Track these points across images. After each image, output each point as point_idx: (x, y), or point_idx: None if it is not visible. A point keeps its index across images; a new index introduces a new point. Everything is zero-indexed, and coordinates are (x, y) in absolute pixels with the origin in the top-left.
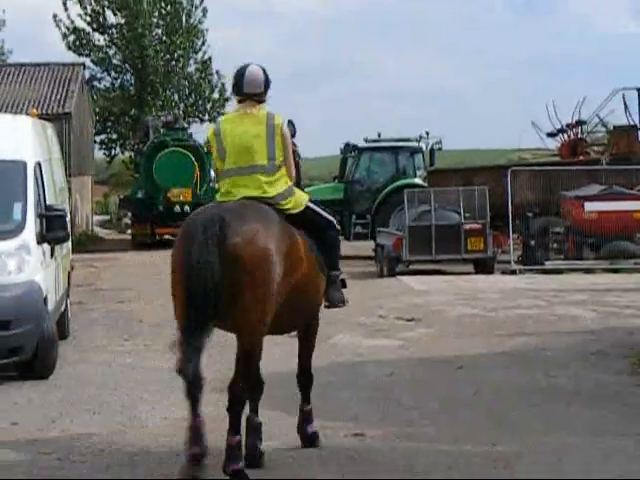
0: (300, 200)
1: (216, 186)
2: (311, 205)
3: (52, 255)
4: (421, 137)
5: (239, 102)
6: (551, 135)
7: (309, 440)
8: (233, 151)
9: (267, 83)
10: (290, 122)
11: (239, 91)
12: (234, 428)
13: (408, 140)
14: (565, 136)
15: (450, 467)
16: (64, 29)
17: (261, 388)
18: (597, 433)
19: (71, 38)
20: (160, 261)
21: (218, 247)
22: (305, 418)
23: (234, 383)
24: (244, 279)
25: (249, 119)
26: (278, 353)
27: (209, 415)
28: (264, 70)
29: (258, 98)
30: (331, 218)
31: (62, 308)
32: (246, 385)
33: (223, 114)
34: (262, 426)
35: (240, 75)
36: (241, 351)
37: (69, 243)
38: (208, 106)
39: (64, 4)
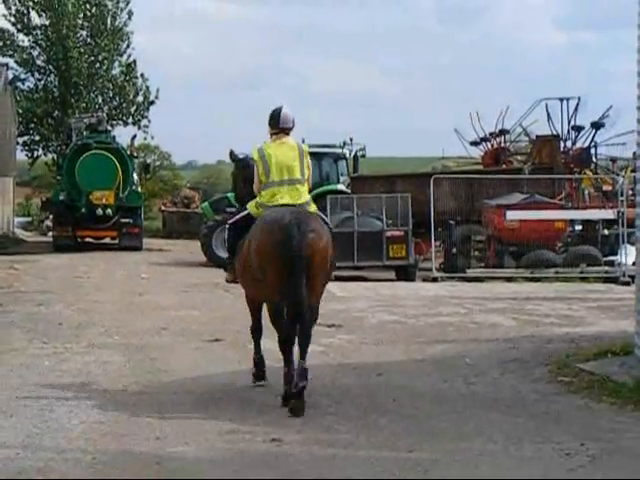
0: (314, 207)
1: (260, 194)
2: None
3: None
4: (345, 144)
5: (275, 133)
6: (474, 144)
7: (299, 394)
8: (277, 168)
9: (294, 122)
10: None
11: (276, 125)
12: (288, 362)
13: (332, 147)
14: (488, 145)
15: (367, 471)
16: None
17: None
18: (515, 440)
19: None
20: (81, 264)
21: (304, 235)
22: (299, 374)
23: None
24: (317, 258)
25: (285, 146)
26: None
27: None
28: (292, 112)
29: (288, 131)
30: (328, 221)
31: None
32: (309, 328)
33: (147, 117)
34: (307, 370)
35: (277, 114)
36: (310, 302)
37: None
38: (132, 109)
39: None
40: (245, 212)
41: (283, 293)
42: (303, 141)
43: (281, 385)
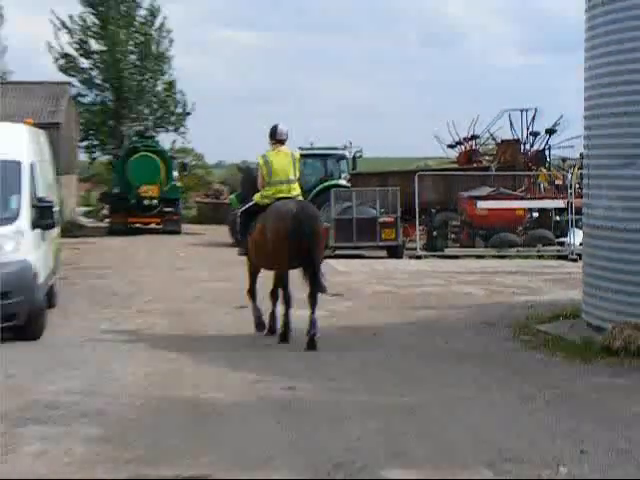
0: (302, 198)
1: (264, 188)
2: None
3: (43, 239)
4: (345, 147)
5: (273, 143)
6: (451, 146)
7: (312, 341)
8: (276, 171)
9: (287, 135)
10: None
11: (274, 137)
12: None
13: (335, 149)
14: (462, 147)
15: (365, 413)
16: (55, 54)
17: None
18: (485, 387)
19: (61, 62)
20: (131, 245)
21: (309, 219)
22: (313, 325)
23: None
24: (317, 236)
25: (282, 154)
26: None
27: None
28: (286, 127)
29: (282, 142)
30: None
31: (51, 282)
32: (320, 286)
33: (184, 125)
34: (317, 322)
35: (275, 129)
36: (314, 268)
37: (57, 229)
38: (172, 119)
39: (56, 34)
40: (252, 202)
41: (296, 261)
42: (312, 144)
43: (297, 344)
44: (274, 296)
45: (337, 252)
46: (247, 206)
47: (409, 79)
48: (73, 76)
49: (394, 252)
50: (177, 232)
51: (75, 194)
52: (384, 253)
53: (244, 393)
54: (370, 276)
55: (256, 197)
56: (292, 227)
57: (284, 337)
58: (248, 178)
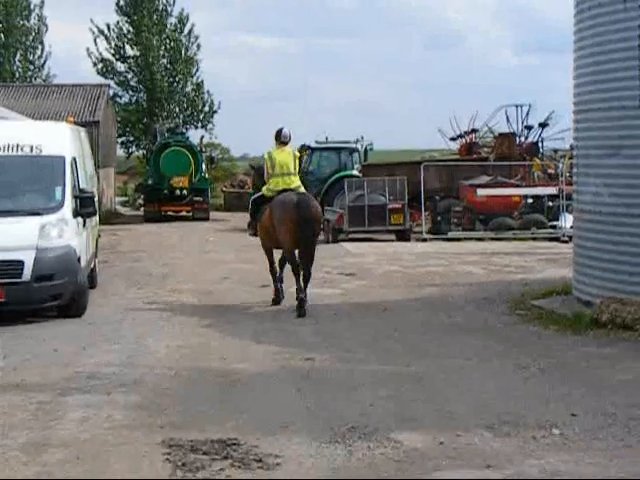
0: (303, 189)
1: (269, 182)
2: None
3: (84, 226)
4: (357, 141)
5: (278, 143)
6: (453, 139)
7: (300, 304)
8: (279, 165)
9: (290, 137)
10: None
11: (278, 139)
12: (298, 281)
13: (348, 142)
14: (463, 140)
15: (376, 381)
16: (94, 59)
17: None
18: (485, 358)
19: (99, 66)
20: (164, 231)
21: (310, 208)
22: (300, 303)
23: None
24: (316, 221)
25: (285, 152)
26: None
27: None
28: (289, 130)
29: (286, 143)
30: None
31: (92, 265)
32: (310, 265)
33: (212, 122)
34: (305, 302)
35: (279, 132)
36: (311, 249)
37: (97, 217)
38: (201, 117)
39: (94, 40)
40: (260, 193)
41: (299, 242)
42: (327, 138)
43: (315, 319)
44: (282, 264)
45: (350, 236)
46: (256, 196)
47: (414, 79)
48: (110, 79)
49: (402, 235)
50: (206, 219)
51: (113, 185)
52: (393, 236)
53: (266, 364)
54: (380, 257)
55: (263, 190)
56: (296, 214)
57: (300, 307)
58: (259, 174)
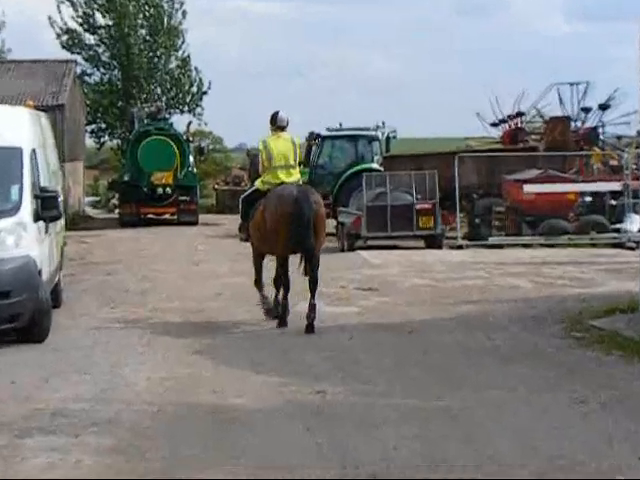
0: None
1: (265, 174)
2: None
3: (46, 232)
4: (378, 127)
5: (274, 129)
6: (494, 125)
7: (310, 325)
8: (277, 156)
9: (287, 122)
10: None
11: (274, 123)
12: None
13: (366, 129)
14: (507, 126)
15: (401, 418)
16: (58, 30)
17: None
18: (533, 389)
19: (64, 38)
20: (144, 238)
21: (310, 204)
22: (311, 309)
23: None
24: (319, 220)
25: (282, 139)
26: None
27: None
28: (286, 114)
29: (283, 128)
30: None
31: (56, 279)
32: (315, 274)
33: (200, 106)
34: (316, 306)
35: (275, 116)
36: (315, 256)
37: (62, 221)
38: (187, 99)
39: (58, 7)
40: (253, 188)
41: (294, 246)
42: (340, 125)
43: (326, 343)
44: (277, 283)
45: (369, 243)
46: (249, 192)
47: (445, 52)
48: (78, 53)
49: (432, 242)
50: (194, 223)
51: (82, 182)
52: (421, 243)
53: (268, 398)
54: (406, 269)
55: (257, 183)
56: (293, 211)
57: (282, 321)
58: (256, 165)
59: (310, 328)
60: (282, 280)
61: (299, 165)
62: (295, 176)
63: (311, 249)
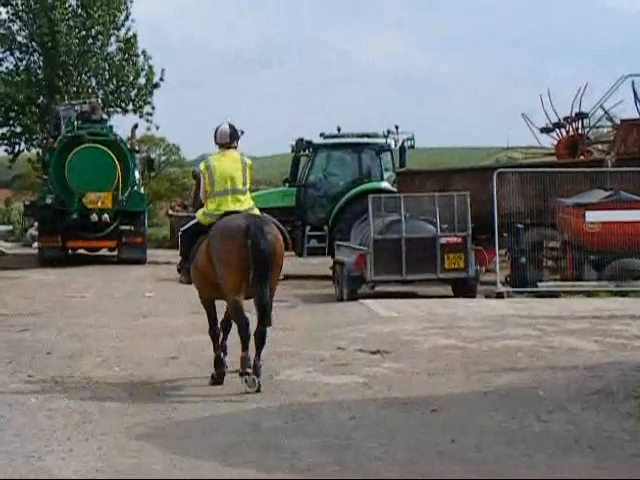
0: (257, 211)
1: (207, 203)
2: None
3: None
4: (389, 132)
5: (219, 147)
6: (546, 130)
7: (258, 389)
8: (221, 179)
9: (234, 135)
10: (232, 127)
11: (216, 141)
12: (246, 347)
13: (374, 136)
14: (562, 131)
15: None
16: None
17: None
18: None
19: None
20: (72, 281)
21: (264, 239)
22: (257, 372)
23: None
24: (274, 256)
25: (227, 158)
26: None
27: None
28: (232, 126)
29: (228, 145)
30: (278, 223)
31: None
32: (264, 328)
33: (150, 103)
34: (261, 368)
35: (215, 132)
36: (269, 295)
37: None
38: (132, 93)
39: None
40: (195, 220)
41: (248, 287)
42: (339, 130)
43: (319, 426)
44: (226, 326)
45: (378, 289)
46: (189, 225)
47: (482, 32)
48: None
49: (463, 288)
50: (140, 261)
51: None
52: (448, 290)
53: None
54: (427, 324)
55: (198, 215)
56: (242, 248)
57: (218, 378)
58: (197, 186)
59: (258, 391)
60: (227, 327)
61: (251, 190)
62: (245, 204)
63: (266, 300)
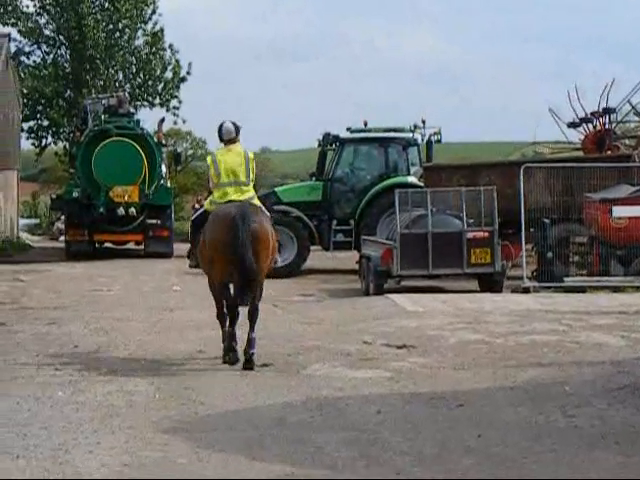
0: (258, 201)
1: (213, 193)
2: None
3: None
4: (416, 127)
5: (224, 143)
6: (573, 125)
7: (248, 361)
8: (225, 172)
9: (237, 131)
10: (234, 123)
11: (221, 138)
12: (233, 324)
13: (400, 130)
14: (590, 127)
15: None
16: None
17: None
18: None
19: None
20: (99, 275)
21: (247, 223)
22: (250, 344)
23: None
24: (260, 242)
25: (232, 152)
26: None
27: None
28: (234, 123)
29: (233, 140)
30: (266, 212)
31: None
32: (257, 303)
33: (177, 97)
34: (254, 340)
35: (220, 129)
36: (257, 282)
37: None
38: (159, 87)
39: None
40: (203, 209)
41: (234, 273)
42: (366, 124)
43: (346, 421)
44: (221, 318)
45: (404, 283)
46: (197, 213)
47: (508, 28)
48: (12, 25)
49: (489, 283)
50: (167, 255)
51: (15, 199)
52: (474, 285)
53: None
54: (453, 319)
55: (206, 204)
56: (227, 233)
57: (228, 355)
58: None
59: (248, 364)
60: (221, 312)
61: (254, 184)
62: (246, 194)
63: (251, 271)
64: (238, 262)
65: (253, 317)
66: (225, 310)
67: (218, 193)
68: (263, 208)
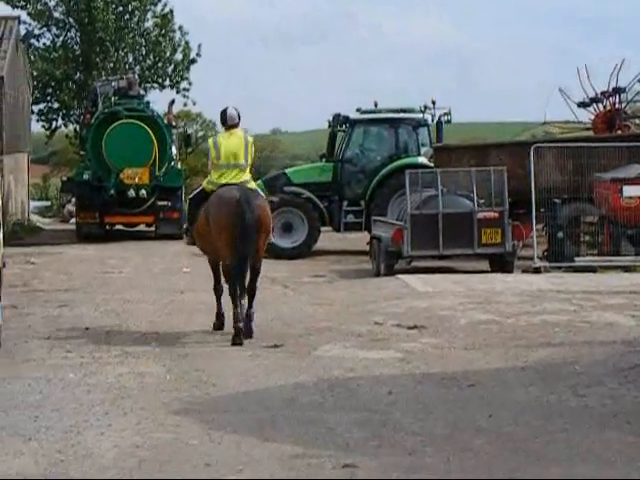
0: (254, 184)
1: (211, 173)
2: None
3: None
4: (426, 107)
5: (226, 128)
6: (583, 105)
7: (249, 331)
8: (225, 154)
9: (239, 117)
10: (236, 109)
11: (225, 123)
12: (236, 305)
13: (410, 111)
14: (600, 106)
15: None
16: None
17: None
18: (637, 465)
19: None
20: (110, 256)
21: (251, 209)
22: (250, 319)
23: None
24: (260, 226)
25: (233, 137)
26: None
27: None
28: (235, 109)
29: (235, 125)
30: (263, 195)
31: None
32: (254, 285)
33: (187, 79)
34: (254, 314)
35: (224, 115)
36: (256, 260)
37: (0, 234)
38: (169, 69)
39: None
40: (200, 188)
41: (237, 252)
42: (376, 105)
43: (358, 401)
44: (218, 292)
45: (415, 264)
46: (195, 192)
47: (517, 9)
48: (22, 8)
49: (500, 263)
50: (178, 236)
51: (26, 182)
52: (485, 265)
53: (278, 475)
54: (464, 299)
55: (204, 183)
56: (232, 216)
57: (237, 338)
58: None
59: (248, 332)
60: (232, 292)
61: (251, 167)
62: (244, 177)
63: (251, 255)
64: (243, 247)
65: (252, 297)
66: (221, 285)
67: (216, 174)
68: (259, 190)
